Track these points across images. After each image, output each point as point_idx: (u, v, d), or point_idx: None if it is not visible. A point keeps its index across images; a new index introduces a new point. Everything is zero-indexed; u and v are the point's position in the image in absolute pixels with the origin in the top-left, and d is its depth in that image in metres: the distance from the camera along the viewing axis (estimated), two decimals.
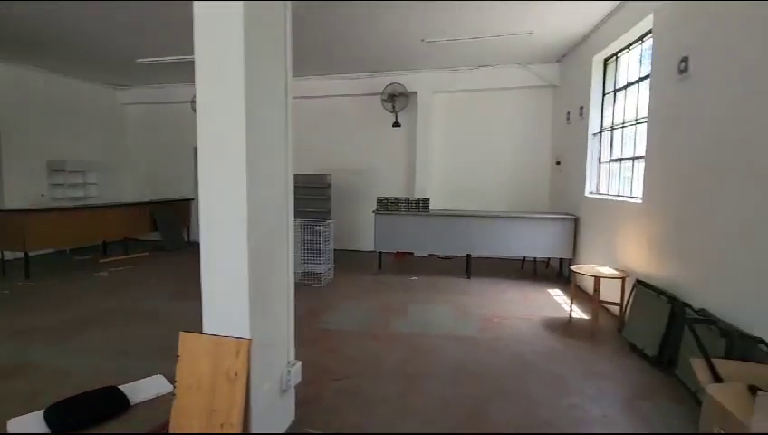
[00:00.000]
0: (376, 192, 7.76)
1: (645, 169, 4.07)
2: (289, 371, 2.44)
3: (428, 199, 6.18)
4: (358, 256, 7.65)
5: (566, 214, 5.95)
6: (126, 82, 8.93)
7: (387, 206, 6.19)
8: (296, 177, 7.02)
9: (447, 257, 7.40)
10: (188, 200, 9.18)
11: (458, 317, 4.48)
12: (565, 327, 4.22)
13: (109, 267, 6.67)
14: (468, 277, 6.12)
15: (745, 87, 2.81)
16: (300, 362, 2.57)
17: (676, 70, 3.55)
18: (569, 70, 6.52)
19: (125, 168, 9.47)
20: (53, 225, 6.28)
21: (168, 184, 9.36)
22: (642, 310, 3.73)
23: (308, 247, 5.86)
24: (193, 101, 8.94)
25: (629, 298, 3.95)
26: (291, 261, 2.51)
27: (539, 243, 5.90)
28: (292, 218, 2.54)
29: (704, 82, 3.26)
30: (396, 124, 7.71)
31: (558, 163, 6.84)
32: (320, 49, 6.51)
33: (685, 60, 3.44)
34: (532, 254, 6.05)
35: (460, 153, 7.74)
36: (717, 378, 2.47)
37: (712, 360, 2.53)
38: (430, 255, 7.56)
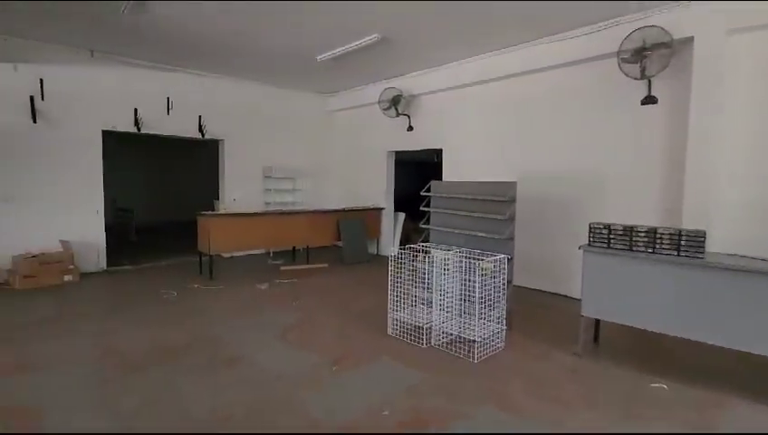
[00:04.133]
0: (601, 212, 4.92)
1: None
2: None
3: (703, 234, 3.10)
4: (565, 310, 4.97)
5: None
6: (334, 88, 8.94)
7: (607, 239, 3.46)
8: (455, 186, 4.77)
9: None
10: (379, 210, 8.46)
11: None
12: None
13: (280, 277, 6.41)
14: None
15: None
16: None
17: None
18: None
19: (329, 174, 9.57)
20: (235, 230, 6.41)
21: (362, 191, 8.90)
22: None
23: (468, 295, 3.84)
24: (381, 101, 8.24)
25: None
26: None
27: None
28: None
29: None
30: (648, 100, 4.64)
31: None
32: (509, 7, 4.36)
33: None
34: None
35: None
36: None
37: None
38: None
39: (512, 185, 4.26)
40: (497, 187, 4.36)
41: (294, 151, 8.97)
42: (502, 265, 3.79)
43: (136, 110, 6.88)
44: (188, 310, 4.74)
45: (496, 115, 6.36)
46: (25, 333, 3.92)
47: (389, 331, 4.07)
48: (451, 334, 3.87)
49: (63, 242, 6.22)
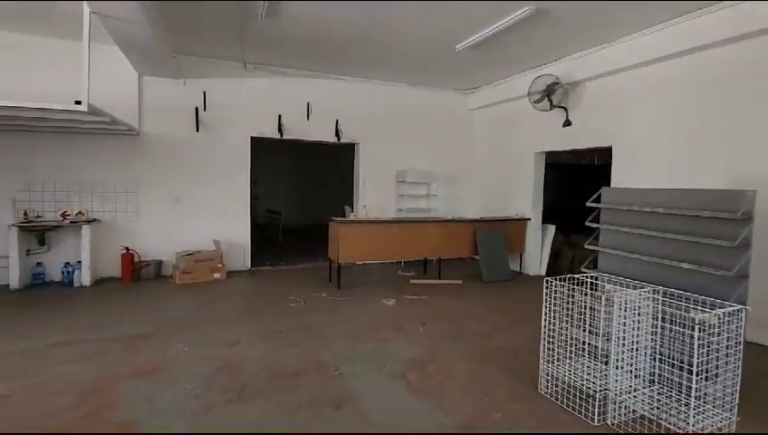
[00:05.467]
0: None
1: None
2: None
3: None
4: None
5: None
6: (474, 84, 8.06)
7: None
8: (641, 194, 2.94)
9: None
10: (524, 220, 7.26)
11: None
12: None
13: (409, 293, 5.80)
14: None
15: None
16: None
17: None
18: None
19: (467, 179, 8.67)
20: (363, 238, 6.03)
21: (504, 198, 7.78)
22: None
23: (667, 355, 2.60)
24: (531, 93, 6.96)
25: None
26: None
27: None
28: None
29: None
30: None
31: None
32: None
33: None
34: None
35: None
36: None
37: None
38: None
39: (746, 195, 2.80)
40: (719, 197, 2.94)
41: (430, 154, 8.35)
42: (734, 319, 2.44)
43: (279, 116, 7.11)
44: (310, 324, 4.43)
45: (700, 99, 4.67)
46: (165, 332, 4.06)
47: (541, 387, 3.04)
48: (635, 412, 2.66)
49: (216, 241, 6.69)
